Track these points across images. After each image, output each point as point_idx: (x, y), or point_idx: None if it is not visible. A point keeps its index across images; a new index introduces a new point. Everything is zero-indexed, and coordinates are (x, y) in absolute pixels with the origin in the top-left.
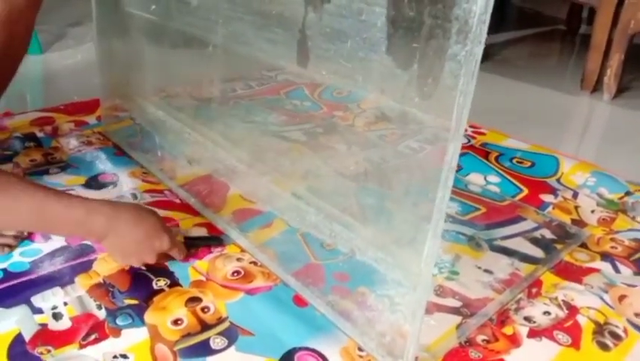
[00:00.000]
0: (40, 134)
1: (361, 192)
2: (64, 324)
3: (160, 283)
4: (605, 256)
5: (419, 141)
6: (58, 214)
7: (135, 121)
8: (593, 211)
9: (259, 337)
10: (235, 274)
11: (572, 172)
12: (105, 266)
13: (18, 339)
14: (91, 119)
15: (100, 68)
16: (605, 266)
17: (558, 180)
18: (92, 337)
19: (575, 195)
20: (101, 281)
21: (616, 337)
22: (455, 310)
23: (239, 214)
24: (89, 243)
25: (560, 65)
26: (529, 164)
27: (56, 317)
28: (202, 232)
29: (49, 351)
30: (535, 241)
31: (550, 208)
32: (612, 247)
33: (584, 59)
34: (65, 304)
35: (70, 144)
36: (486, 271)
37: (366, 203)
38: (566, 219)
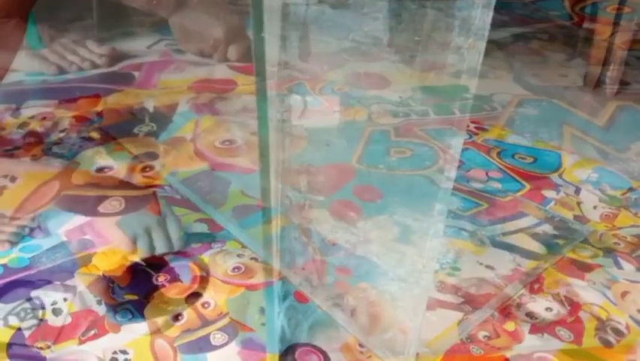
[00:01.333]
0: (40, 130)
1: (363, 187)
2: (64, 319)
3: (160, 278)
4: (608, 253)
5: (421, 137)
6: None
7: (136, 117)
8: (595, 207)
9: (260, 333)
10: (236, 270)
11: (575, 168)
12: (105, 262)
13: (18, 334)
14: (91, 115)
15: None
16: (608, 262)
17: (560, 176)
18: (92, 332)
19: (578, 191)
20: (101, 277)
21: (618, 333)
22: (456, 307)
23: (240, 210)
24: (89, 238)
25: (563, 60)
26: (531, 160)
27: (56, 312)
28: (203, 228)
29: (48, 346)
30: (537, 237)
31: (552, 204)
32: (615, 243)
33: (587, 54)
34: (65, 299)
35: (71, 139)
36: (488, 267)
37: (367, 198)
38: (569, 215)
